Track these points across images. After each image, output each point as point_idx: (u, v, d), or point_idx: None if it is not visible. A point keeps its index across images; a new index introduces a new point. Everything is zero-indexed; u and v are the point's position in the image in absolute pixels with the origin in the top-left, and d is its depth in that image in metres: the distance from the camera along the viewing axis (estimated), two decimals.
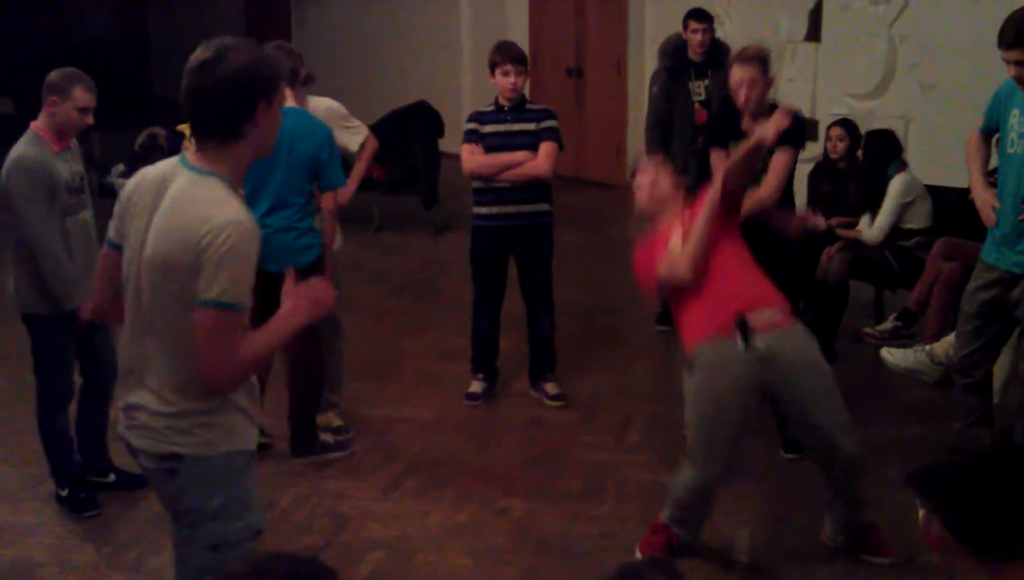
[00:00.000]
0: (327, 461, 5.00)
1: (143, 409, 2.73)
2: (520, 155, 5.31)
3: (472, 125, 5.46)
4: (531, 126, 5.42)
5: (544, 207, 5.51)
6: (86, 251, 4.36)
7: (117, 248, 2.81)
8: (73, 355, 4.51)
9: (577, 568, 4.02)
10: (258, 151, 2.74)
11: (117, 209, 2.82)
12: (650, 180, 4.21)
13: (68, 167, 4.34)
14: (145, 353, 2.72)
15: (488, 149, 5.39)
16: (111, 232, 2.84)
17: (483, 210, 5.48)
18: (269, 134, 2.72)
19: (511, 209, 5.43)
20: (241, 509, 2.81)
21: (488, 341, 5.74)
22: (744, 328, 3.82)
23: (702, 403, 3.94)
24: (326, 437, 5.13)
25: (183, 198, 2.63)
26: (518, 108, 5.43)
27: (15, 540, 4.38)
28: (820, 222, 5.74)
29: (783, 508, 4.57)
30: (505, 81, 5.33)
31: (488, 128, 5.41)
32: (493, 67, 5.38)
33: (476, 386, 5.73)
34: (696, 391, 3.95)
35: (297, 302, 2.80)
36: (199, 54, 2.62)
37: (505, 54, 5.35)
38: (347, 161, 5.35)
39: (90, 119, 4.33)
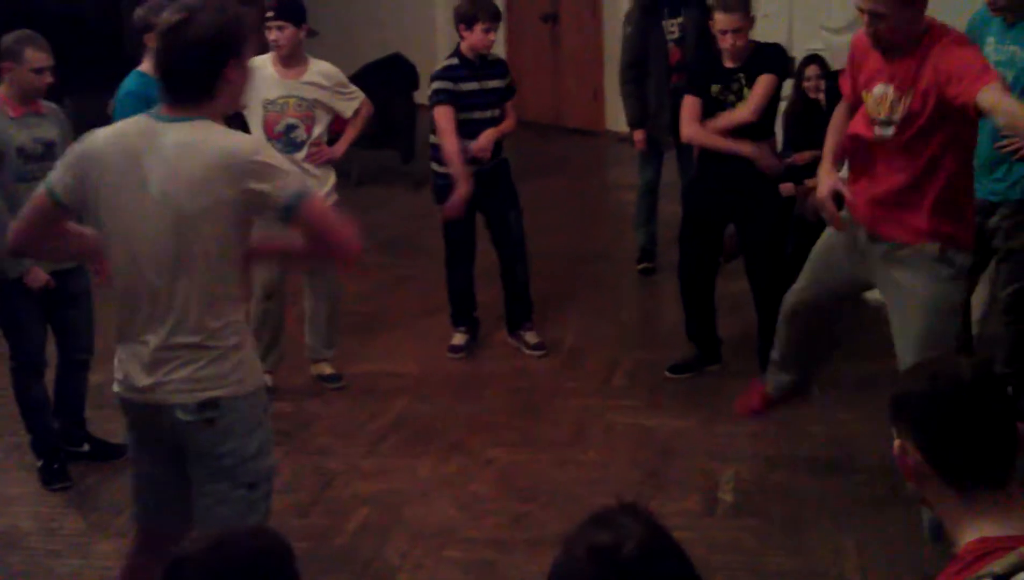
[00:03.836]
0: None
1: (176, 359, 2.79)
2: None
3: (444, 84, 5.30)
4: (499, 83, 5.41)
5: (501, 156, 5.50)
6: None
7: (63, 207, 2.85)
8: (40, 322, 4.44)
9: (565, 514, 4.04)
10: (231, 105, 2.90)
11: (74, 169, 2.82)
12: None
13: (29, 133, 4.29)
14: (173, 303, 2.77)
15: (464, 109, 5.31)
16: (58, 187, 2.84)
17: (443, 169, 5.40)
18: (241, 88, 2.85)
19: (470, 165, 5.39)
20: (270, 447, 3.00)
21: (464, 294, 5.72)
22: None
23: (820, 241, 4.10)
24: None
25: (192, 143, 2.72)
26: (484, 62, 5.39)
27: (1, 510, 4.38)
28: (798, 159, 5.73)
29: (767, 447, 4.58)
30: (485, 39, 5.26)
31: (464, 86, 5.31)
32: (470, 21, 5.25)
33: (458, 338, 5.72)
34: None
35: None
36: (168, 17, 2.73)
37: (486, 10, 5.25)
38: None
39: (49, 77, 4.28)
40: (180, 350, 2.79)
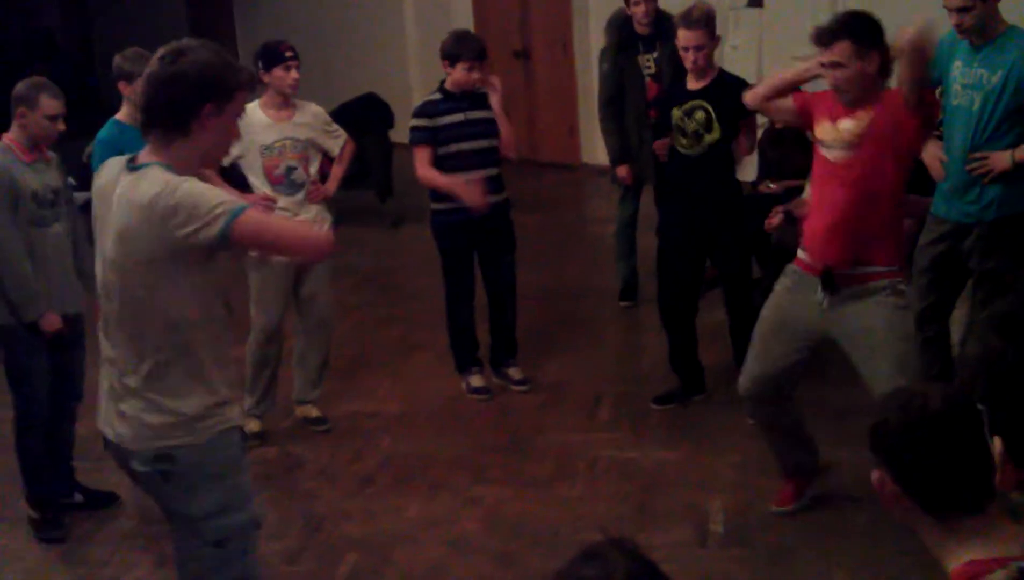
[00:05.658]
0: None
1: (133, 417, 2.78)
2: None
3: (420, 121, 5.29)
4: (486, 114, 5.35)
5: (504, 195, 5.50)
6: (59, 264, 4.35)
7: None
8: (46, 368, 4.40)
9: (551, 550, 4.04)
10: (204, 156, 2.80)
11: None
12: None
13: (39, 178, 4.30)
14: (121, 354, 2.80)
15: (446, 141, 5.28)
16: None
17: (453, 205, 5.31)
18: (218, 142, 2.78)
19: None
20: (241, 500, 2.89)
21: (468, 334, 5.66)
22: (829, 280, 3.88)
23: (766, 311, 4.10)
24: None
25: (127, 198, 2.69)
26: (470, 94, 5.33)
27: None
28: (773, 187, 5.79)
29: (753, 476, 4.58)
30: (468, 77, 5.23)
31: (444, 120, 5.29)
32: (453, 59, 5.23)
33: (477, 380, 5.65)
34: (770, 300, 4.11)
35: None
36: (163, 48, 2.71)
37: (469, 50, 5.21)
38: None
39: (61, 125, 4.31)
40: (128, 394, 2.79)
